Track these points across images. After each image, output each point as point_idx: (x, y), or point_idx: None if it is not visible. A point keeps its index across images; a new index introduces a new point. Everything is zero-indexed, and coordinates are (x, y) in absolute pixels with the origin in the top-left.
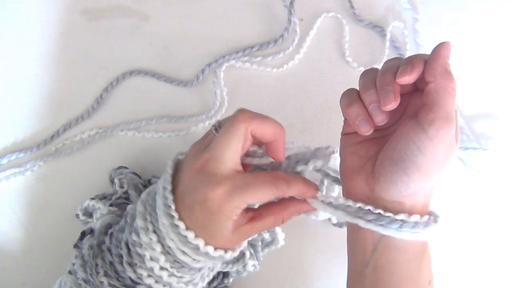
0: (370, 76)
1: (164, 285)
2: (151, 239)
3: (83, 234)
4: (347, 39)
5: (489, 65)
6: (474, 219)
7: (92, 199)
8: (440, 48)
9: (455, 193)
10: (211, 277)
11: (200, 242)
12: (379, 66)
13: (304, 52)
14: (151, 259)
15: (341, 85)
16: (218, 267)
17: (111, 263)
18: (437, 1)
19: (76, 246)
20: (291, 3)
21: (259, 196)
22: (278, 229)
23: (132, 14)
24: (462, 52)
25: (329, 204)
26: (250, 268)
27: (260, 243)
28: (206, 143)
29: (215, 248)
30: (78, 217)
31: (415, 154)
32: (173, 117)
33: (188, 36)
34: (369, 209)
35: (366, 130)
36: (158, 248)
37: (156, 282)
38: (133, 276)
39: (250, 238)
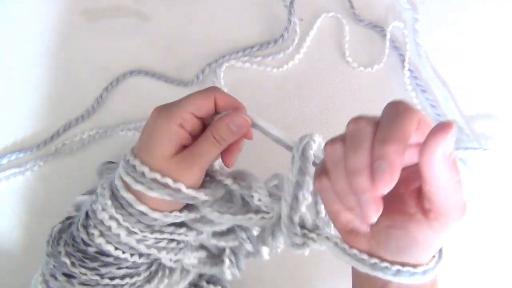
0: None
1: (115, 246)
2: (104, 188)
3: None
4: (347, 39)
5: (489, 65)
6: (474, 219)
7: (83, 195)
8: (437, 134)
9: None
10: (177, 262)
11: (145, 168)
12: (379, 66)
13: (304, 52)
14: (102, 209)
15: (341, 85)
16: (192, 261)
17: (71, 233)
18: (437, 1)
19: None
20: (291, 3)
21: (192, 98)
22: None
23: (132, 14)
24: (462, 52)
25: (327, 239)
26: (228, 275)
27: (243, 252)
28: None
29: (151, 169)
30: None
31: (423, 247)
32: None
33: (188, 36)
34: (363, 258)
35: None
36: (107, 194)
37: (107, 242)
38: (85, 237)
39: (206, 198)
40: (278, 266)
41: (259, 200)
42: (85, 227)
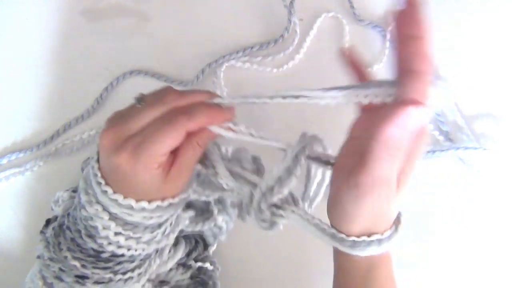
0: None
1: (128, 248)
2: (97, 209)
3: (48, 222)
4: (347, 39)
5: (489, 65)
6: (473, 219)
7: (67, 191)
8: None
9: (454, 193)
10: (176, 233)
11: (131, 202)
12: (379, 66)
13: (304, 52)
14: (104, 228)
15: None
16: (185, 223)
17: (72, 239)
18: (437, 1)
19: (41, 232)
20: (291, 3)
21: (161, 141)
22: None
23: (132, 14)
24: (462, 52)
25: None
26: (221, 223)
27: (228, 200)
28: (125, 116)
29: (150, 201)
30: (52, 210)
31: (343, 206)
32: None
33: (188, 36)
34: (324, 228)
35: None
36: (106, 216)
37: (119, 247)
38: (95, 246)
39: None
40: (278, 266)
41: (227, 185)
42: (91, 237)
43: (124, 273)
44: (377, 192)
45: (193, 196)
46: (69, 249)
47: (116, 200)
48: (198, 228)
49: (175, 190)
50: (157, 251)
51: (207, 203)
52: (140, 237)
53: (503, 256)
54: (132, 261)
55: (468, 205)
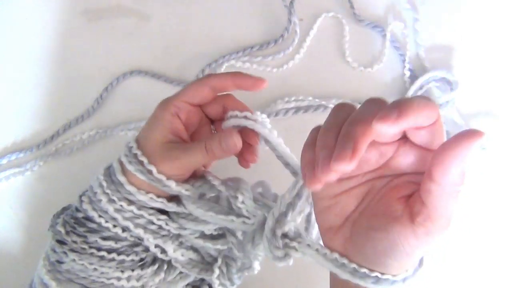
0: (340, 115)
1: (98, 214)
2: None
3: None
4: (347, 39)
5: (489, 65)
6: (473, 219)
7: None
8: (465, 139)
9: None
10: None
11: (134, 145)
12: (379, 66)
13: (304, 52)
14: (97, 179)
15: (341, 85)
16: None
17: (71, 215)
18: (437, 1)
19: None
20: (291, 3)
21: (187, 88)
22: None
23: (132, 14)
24: (462, 52)
25: (309, 247)
26: (216, 286)
27: (235, 265)
28: None
29: (143, 153)
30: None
31: (401, 255)
32: None
33: (188, 36)
34: (343, 263)
35: (309, 185)
36: (102, 170)
37: (92, 209)
38: (78, 205)
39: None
40: (277, 266)
41: (242, 202)
42: (80, 196)
43: (98, 249)
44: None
45: (189, 225)
46: (65, 215)
47: (130, 147)
48: (192, 272)
49: (166, 164)
50: (155, 262)
51: (214, 259)
52: (120, 209)
53: (504, 256)
54: (103, 237)
55: (468, 205)
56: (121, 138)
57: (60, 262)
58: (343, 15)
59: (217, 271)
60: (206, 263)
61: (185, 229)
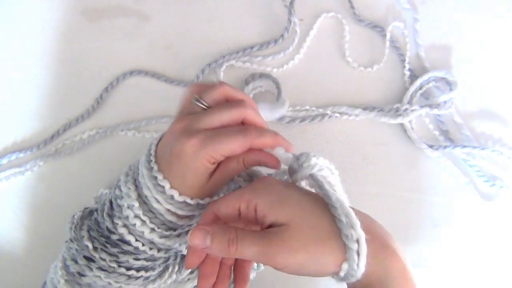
0: None
1: (136, 238)
2: (129, 188)
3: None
4: (347, 39)
5: (488, 65)
6: (473, 218)
7: (109, 189)
8: None
9: (454, 193)
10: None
11: (169, 188)
12: (379, 66)
13: (304, 52)
14: (128, 207)
15: (341, 85)
16: None
17: (95, 219)
18: (437, 1)
19: (72, 216)
20: (291, 3)
21: (229, 143)
22: None
23: (132, 14)
24: (462, 52)
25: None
26: None
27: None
28: (197, 113)
29: (180, 194)
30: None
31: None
32: (173, 117)
33: (188, 36)
34: None
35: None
36: (134, 195)
37: (129, 233)
38: (109, 225)
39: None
40: None
41: None
42: (110, 216)
43: (128, 268)
44: None
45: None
46: (89, 229)
47: (163, 187)
48: None
49: (210, 194)
50: (169, 266)
51: None
52: (153, 229)
53: (504, 256)
54: (137, 258)
55: (468, 204)
56: (121, 138)
57: (81, 275)
58: (343, 15)
59: None
60: None
61: None
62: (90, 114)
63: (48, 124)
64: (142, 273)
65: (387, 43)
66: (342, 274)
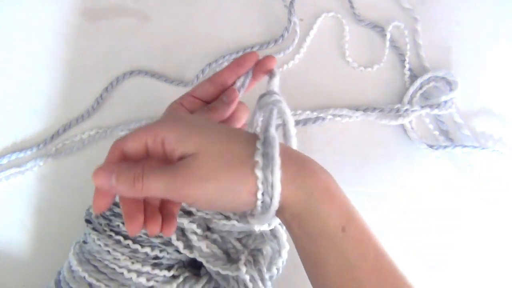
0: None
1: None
2: None
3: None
4: (347, 39)
5: (488, 65)
6: (473, 219)
7: None
8: None
9: (454, 193)
10: None
11: None
12: (379, 66)
13: (304, 52)
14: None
15: (341, 85)
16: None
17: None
18: (437, 1)
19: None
20: (291, 3)
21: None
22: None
23: (132, 14)
24: (462, 52)
25: None
26: (244, 275)
27: (261, 255)
28: None
29: None
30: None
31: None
32: None
33: (188, 36)
34: None
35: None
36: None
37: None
38: None
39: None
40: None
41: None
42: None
43: (116, 233)
44: None
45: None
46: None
47: None
48: (216, 266)
49: None
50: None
51: (239, 253)
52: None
53: (503, 256)
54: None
55: (468, 205)
56: None
57: (85, 242)
58: (343, 15)
59: (243, 258)
60: (231, 258)
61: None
62: (90, 114)
63: (48, 124)
64: (129, 241)
65: (387, 43)
66: (259, 203)
